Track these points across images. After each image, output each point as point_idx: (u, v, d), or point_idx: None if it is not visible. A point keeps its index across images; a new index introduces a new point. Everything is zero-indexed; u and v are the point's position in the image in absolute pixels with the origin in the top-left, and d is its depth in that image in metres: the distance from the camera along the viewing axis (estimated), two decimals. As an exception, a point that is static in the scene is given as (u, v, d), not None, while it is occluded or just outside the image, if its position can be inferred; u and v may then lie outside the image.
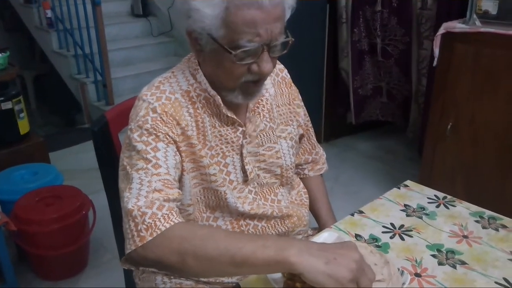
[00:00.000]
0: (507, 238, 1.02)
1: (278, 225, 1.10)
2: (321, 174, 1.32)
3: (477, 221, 1.08)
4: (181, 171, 0.96)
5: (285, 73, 1.16)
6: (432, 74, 2.57)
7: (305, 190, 1.25)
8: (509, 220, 1.08)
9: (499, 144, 1.96)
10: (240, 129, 1.01)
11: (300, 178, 1.28)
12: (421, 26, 2.61)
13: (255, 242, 0.74)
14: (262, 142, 1.05)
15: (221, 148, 1.00)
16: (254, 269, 0.76)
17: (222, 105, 0.96)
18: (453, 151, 2.12)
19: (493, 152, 1.99)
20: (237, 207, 1.02)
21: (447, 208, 1.14)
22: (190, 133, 0.95)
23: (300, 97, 1.18)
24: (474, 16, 1.91)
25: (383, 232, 1.05)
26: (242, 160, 1.02)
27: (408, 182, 1.26)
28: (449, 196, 1.18)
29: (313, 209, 1.27)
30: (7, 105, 2.27)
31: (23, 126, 2.36)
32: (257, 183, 1.07)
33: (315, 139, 1.29)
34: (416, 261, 0.96)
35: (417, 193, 1.20)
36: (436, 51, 2.04)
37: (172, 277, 1.06)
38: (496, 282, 0.89)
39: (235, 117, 0.99)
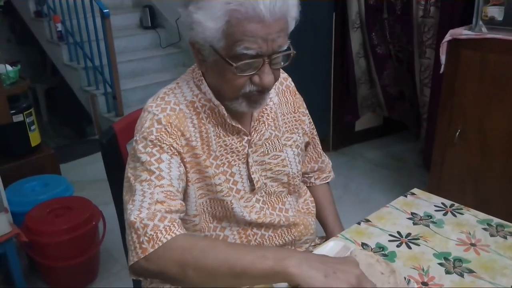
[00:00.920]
0: (516, 246, 1.01)
1: (285, 234, 1.10)
2: (327, 183, 1.32)
3: (485, 229, 1.07)
4: (186, 182, 0.97)
5: (289, 81, 1.16)
6: (435, 83, 2.56)
7: (312, 198, 1.25)
8: (518, 228, 1.07)
9: (508, 150, 1.95)
10: (246, 138, 1.02)
11: (307, 187, 1.28)
12: (423, 35, 2.60)
13: (254, 253, 0.76)
14: (267, 151, 1.06)
15: (226, 158, 1.01)
16: (253, 280, 0.77)
17: (226, 114, 0.97)
18: (461, 158, 2.11)
19: (502, 158, 1.97)
20: (244, 217, 1.03)
21: (455, 216, 1.13)
22: (194, 143, 0.96)
23: (304, 105, 1.19)
24: (480, 22, 1.91)
25: (389, 241, 1.05)
26: (248, 169, 1.03)
27: (415, 190, 1.25)
28: (456, 204, 1.18)
29: (320, 218, 1.27)
30: (19, 118, 2.31)
31: (34, 138, 2.39)
32: (265, 192, 1.07)
33: (320, 148, 1.30)
34: (423, 269, 0.95)
35: (424, 201, 1.20)
36: (443, 58, 2.04)
37: None
38: (504, 291, 0.88)
39: (240, 126, 1.00)
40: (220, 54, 0.87)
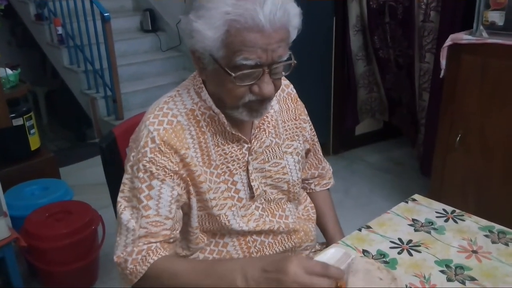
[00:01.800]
0: (518, 253, 1.00)
1: (285, 240, 1.09)
2: (328, 189, 1.32)
3: (486, 236, 1.07)
4: (188, 195, 0.98)
5: (291, 88, 1.16)
6: (434, 88, 2.56)
7: (312, 205, 1.25)
8: (520, 235, 1.07)
9: (509, 155, 1.94)
10: (246, 145, 1.01)
11: (307, 193, 1.28)
12: (423, 39, 2.59)
13: (211, 278, 0.85)
14: (268, 158, 1.05)
15: (227, 167, 1.00)
16: None
17: (226, 123, 0.97)
18: (462, 163, 2.11)
19: (503, 164, 1.97)
20: (241, 227, 1.03)
21: (456, 222, 1.13)
22: (189, 160, 0.96)
23: (306, 112, 1.19)
24: (481, 27, 1.91)
25: (391, 248, 1.04)
26: (248, 177, 1.03)
27: (416, 196, 1.25)
28: (457, 210, 1.17)
29: (320, 224, 1.26)
30: (18, 121, 2.31)
31: (34, 142, 2.39)
32: (264, 199, 1.07)
33: (321, 154, 1.29)
34: (424, 277, 0.94)
35: (425, 207, 1.19)
36: (443, 63, 2.04)
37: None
38: (506, 299, 0.88)
39: (240, 134, 0.99)
40: (220, 64, 0.86)
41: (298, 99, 1.17)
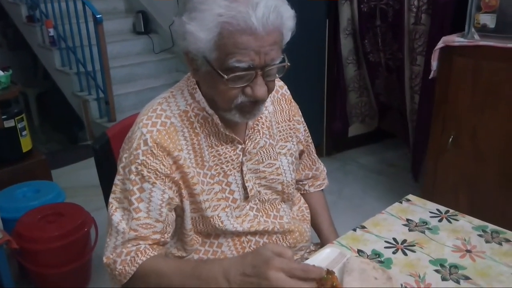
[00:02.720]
0: (511, 253, 1.01)
1: (280, 241, 1.09)
2: (322, 190, 1.32)
3: (480, 235, 1.08)
4: (180, 198, 0.98)
5: (285, 89, 1.16)
6: (425, 90, 2.58)
7: (306, 206, 1.25)
8: (513, 234, 1.08)
9: (501, 157, 1.96)
10: (240, 146, 1.01)
11: (301, 194, 1.28)
12: (414, 42, 2.60)
13: (193, 281, 0.86)
14: (262, 159, 1.05)
15: (221, 168, 1.00)
16: None
17: (220, 124, 0.97)
18: (455, 164, 2.12)
19: (496, 165, 1.99)
20: (235, 228, 1.03)
21: (450, 222, 1.13)
22: (182, 161, 0.96)
23: (300, 113, 1.19)
24: (473, 29, 1.93)
25: (385, 247, 1.04)
26: (242, 177, 1.02)
27: (410, 197, 1.25)
28: (451, 210, 1.18)
29: (314, 224, 1.27)
30: (10, 123, 2.29)
31: (26, 143, 2.37)
32: (259, 200, 1.07)
33: (315, 155, 1.29)
34: (419, 276, 0.95)
35: (419, 207, 1.20)
36: (434, 64, 2.06)
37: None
38: (500, 297, 0.88)
39: (233, 135, 0.99)
40: (212, 66, 0.86)
41: (292, 100, 1.17)
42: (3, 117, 2.26)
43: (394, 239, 1.07)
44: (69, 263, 1.99)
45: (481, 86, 1.95)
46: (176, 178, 0.96)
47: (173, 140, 0.95)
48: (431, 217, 1.15)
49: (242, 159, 1.02)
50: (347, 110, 3.26)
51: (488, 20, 1.89)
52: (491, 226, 1.11)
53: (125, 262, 0.93)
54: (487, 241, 1.05)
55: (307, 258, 1.01)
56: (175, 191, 0.97)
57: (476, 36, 1.92)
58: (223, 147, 1.00)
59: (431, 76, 2.08)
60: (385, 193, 2.85)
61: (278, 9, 0.84)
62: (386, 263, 0.99)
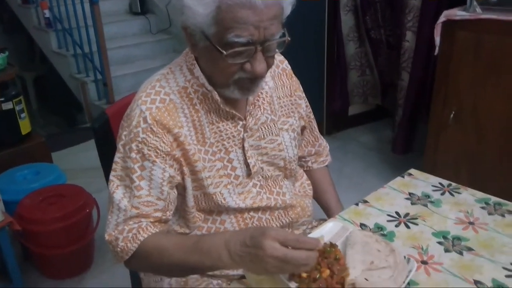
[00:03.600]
0: (514, 224, 1.01)
1: (282, 216, 1.09)
2: (326, 166, 1.31)
3: (483, 208, 1.07)
4: (182, 176, 0.97)
5: (286, 64, 1.14)
6: (415, 68, 2.54)
7: (309, 182, 1.24)
8: (515, 206, 1.07)
9: (502, 132, 1.95)
10: (241, 123, 1.00)
11: (304, 171, 1.27)
12: (405, 17, 2.56)
13: (194, 256, 0.86)
14: (263, 135, 1.04)
15: (223, 144, 0.99)
16: (207, 272, 0.98)
17: (220, 100, 0.95)
18: (456, 139, 2.11)
19: (497, 140, 1.98)
20: (238, 205, 1.02)
21: (452, 195, 1.13)
22: (182, 138, 0.95)
23: (301, 88, 1.17)
24: (474, 3, 1.89)
25: (388, 221, 1.04)
26: (244, 154, 1.02)
27: (412, 171, 1.25)
28: (454, 184, 1.18)
29: (321, 201, 1.26)
30: (8, 105, 2.27)
31: (25, 126, 2.36)
32: (262, 176, 1.06)
33: (317, 131, 1.28)
34: (422, 248, 0.95)
35: (421, 181, 1.19)
36: (437, 40, 2.03)
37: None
38: (503, 268, 0.89)
39: (234, 112, 0.98)
40: (211, 41, 0.84)
41: (293, 75, 1.15)
42: (1, 99, 2.24)
43: (397, 212, 1.07)
44: (71, 244, 2.00)
45: (483, 61, 1.93)
46: (177, 156, 0.95)
47: (173, 117, 0.94)
48: (433, 190, 1.15)
49: (243, 135, 1.01)
50: (348, 88, 3.24)
51: (490, -8, 1.87)
52: (494, 199, 1.11)
53: (127, 239, 0.93)
54: (489, 213, 1.05)
55: (309, 233, 1.01)
56: (176, 169, 0.96)
57: (478, 10, 1.89)
58: (223, 123, 0.98)
59: (436, 52, 2.05)
60: (385, 171, 2.85)
61: None
62: (388, 236, 0.99)
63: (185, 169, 0.97)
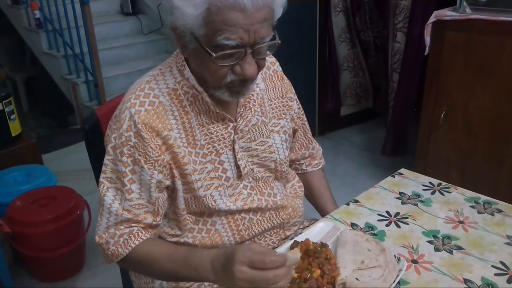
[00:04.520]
0: (503, 222, 1.02)
1: (273, 217, 1.09)
2: (321, 169, 1.31)
3: (472, 207, 1.08)
4: (172, 178, 0.97)
5: (277, 66, 1.14)
6: (405, 69, 2.55)
7: (300, 183, 1.24)
8: (505, 205, 1.08)
9: (492, 130, 1.96)
10: (231, 124, 1.00)
11: (299, 174, 1.27)
12: (395, 17, 2.56)
13: (184, 269, 0.89)
14: (254, 137, 1.04)
15: (213, 147, 0.99)
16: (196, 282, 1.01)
17: (210, 101, 0.95)
18: (447, 139, 2.13)
19: (487, 139, 1.99)
20: (229, 207, 1.02)
21: (442, 194, 1.14)
22: (172, 141, 0.94)
23: (293, 90, 1.17)
24: (464, 3, 1.91)
25: (378, 220, 1.05)
26: (235, 156, 1.01)
27: (402, 170, 1.26)
28: (444, 183, 1.18)
29: (318, 205, 1.26)
30: (-2, 107, 2.25)
31: (15, 127, 2.33)
32: (252, 178, 1.06)
33: (310, 134, 1.28)
34: (412, 247, 0.95)
35: (412, 181, 1.20)
36: (427, 40, 2.04)
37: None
38: (493, 266, 0.89)
39: (224, 113, 0.97)
40: (200, 43, 0.84)
41: (285, 76, 1.15)
42: (-10, 101, 2.22)
43: (387, 212, 1.08)
44: (62, 246, 1.98)
45: (473, 61, 1.95)
46: (166, 160, 0.94)
47: (162, 120, 0.94)
48: (423, 189, 1.16)
49: (234, 137, 1.01)
50: (340, 89, 3.24)
51: (479, -7, 1.88)
52: (483, 197, 1.11)
53: (118, 243, 0.94)
54: (479, 212, 1.06)
55: (301, 233, 1.01)
56: (165, 174, 0.95)
57: (468, 10, 1.91)
58: (214, 125, 0.98)
59: (426, 52, 2.07)
60: (377, 171, 2.86)
61: None
62: (379, 236, 0.99)
63: (175, 171, 0.96)
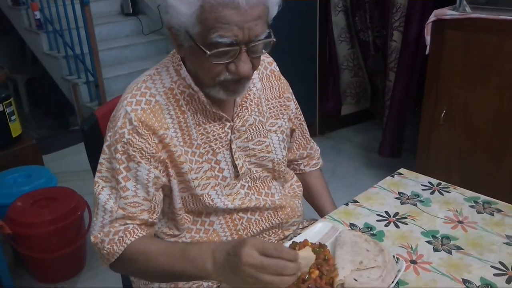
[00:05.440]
0: (502, 222, 1.02)
1: (272, 217, 1.09)
2: (319, 169, 1.31)
3: (472, 206, 1.08)
4: (168, 177, 0.97)
5: (274, 66, 1.14)
6: (401, 68, 2.54)
7: (299, 183, 1.24)
8: (504, 204, 1.08)
9: (492, 129, 1.96)
10: (228, 124, 1.00)
11: (297, 174, 1.27)
12: (392, 16, 2.55)
13: (180, 264, 0.86)
14: (251, 137, 1.04)
15: (210, 146, 0.99)
16: (191, 280, 0.97)
17: (206, 101, 0.95)
18: (447, 138, 2.12)
19: (487, 138, 1.99)
20: (227, 206, 1.02)
21: (442, 194, 1.13)
22: (168, 140, 0.94)
23: (290, 90, 1.17)
24: (464, 2, 1.90)
25: (377, 221, 1.04)
26: (232, 156, 1.01)
27: (402, 170, 1.25)
28: (443, 183, 1.18)
29: (317, 205, 1.26)
30: (-2, 108, 2.25)
31: (15, 128, 2.34)
32: (250, 178, 1.06)
33: (308, 134, 1.28)
34: (411, 248, 0.95)
35: (411, 181, 1.20)
36: (428, 39, 2.04)
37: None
38: (492, 266, 0.89)
39: (221, 113, 0.97)
40: (195, 41, 0.84)
41: (282, 77, 1.15)
42: (-10, 102, 2.22)
43: (386, 212, 1.07)
44: (63, 247, 1.98)
45: (473, 60, 1.94)
46: (162, 157, 0.94)
47: (159, 119, 0.94)
48: (423, 189, 1.15)
49: (230, 137, 1.01)
50: (340, 89, 3.24)
51: (479, -8, 1.87)
52: (482, 197, 1.11)
53: (113, 241, 0.92)
54: (478, 212, 1.06)
55: (299, 234, 1.01)
56: (161, 171, 0.95)
57: (468, 9, 1.90)
58: (211, 125, 0.98)
59: (427, 51, 2.06)
60: (378, 171, 2.86)
61: None
62: (378, 236, 0.99)
63: (171, 170, 0.96)
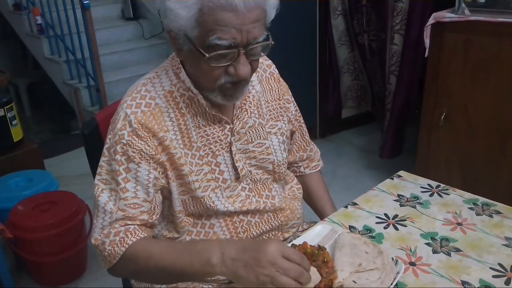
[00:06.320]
0: (501, 224, 1.02)
1: (271, 219, 1.09)
2: (319, 171, 1.31)
3: (471, 208, 1.08)
4: (167, 180, 0.97)
5: (273, 68, 1.15)
6: (402, 72, 2.55)
7: (299, 185, 1.24)
8: (503, 206, 1.08)
9: (492, 131, 1.96)
10: (228, 126, 1.00)
11: (297, 176, 1.27)
12: (393, 20, 2.56)
13: (184, 259, 0.85)
14: (251, 139, 1.04)
15: (210, 148, 0.99)
16: (193, 278, 0.92)
17: (206, 103, 0.96)
18: (447, 140, 2.13)
19: (487, 140, 1.99)
20: (227, 208, 1.02)
21: (441, 196, 1.14)
22: (168, 142, 0.95)
23: (290, 93, 1.18)
24: (463, 5, 1.91)
25: (377, 223, 1.05)
26: (232, 158, 1.02)
27: (401, 173, 1.26)
28: (442, 185, 1.18)
29: (316, 207, 1.26)
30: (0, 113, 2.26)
31: (16, 133, 2.35)
32: (251, 180, 1.06)
33: (308, 136, 1.28)
34: (410, 250, 0.95)
35: (410, 183, 1.20)
36: (427, 42, 2.04)
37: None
38: (491, 268, 0.89)
39: (220, 115, 0.98)
40: (194, 44, 0.85)
41: (281, 79, 1.16)
42: (-8, 106, 2.23)
43: (386, 214, 1.08)
44: (64, 251, 1.99)
45: (472, 62, 1.95)
46: (161, 160, 0.95)
47: (158, 121, 0.94)
48: (422, 192, 1.16)
49: (230, 139, 1.01)
50: (341, 92, 3.24)
51: (478, -6, 1.88)
52: (482, 199, 1.11)
53: (114, 242, 0.92)
54: (477, 214, 1.06)
55: (299, 236, 1.01)
56: (160, 172, 0.96)
57: (467, 11, 1.91)
58: (210, 127, 0.99)
59: (426, 54, 2.07)
60: (379, 173, 2.86)
61: None
62: (377, 238, 0.99)
63: (170, 173, 0.97)
